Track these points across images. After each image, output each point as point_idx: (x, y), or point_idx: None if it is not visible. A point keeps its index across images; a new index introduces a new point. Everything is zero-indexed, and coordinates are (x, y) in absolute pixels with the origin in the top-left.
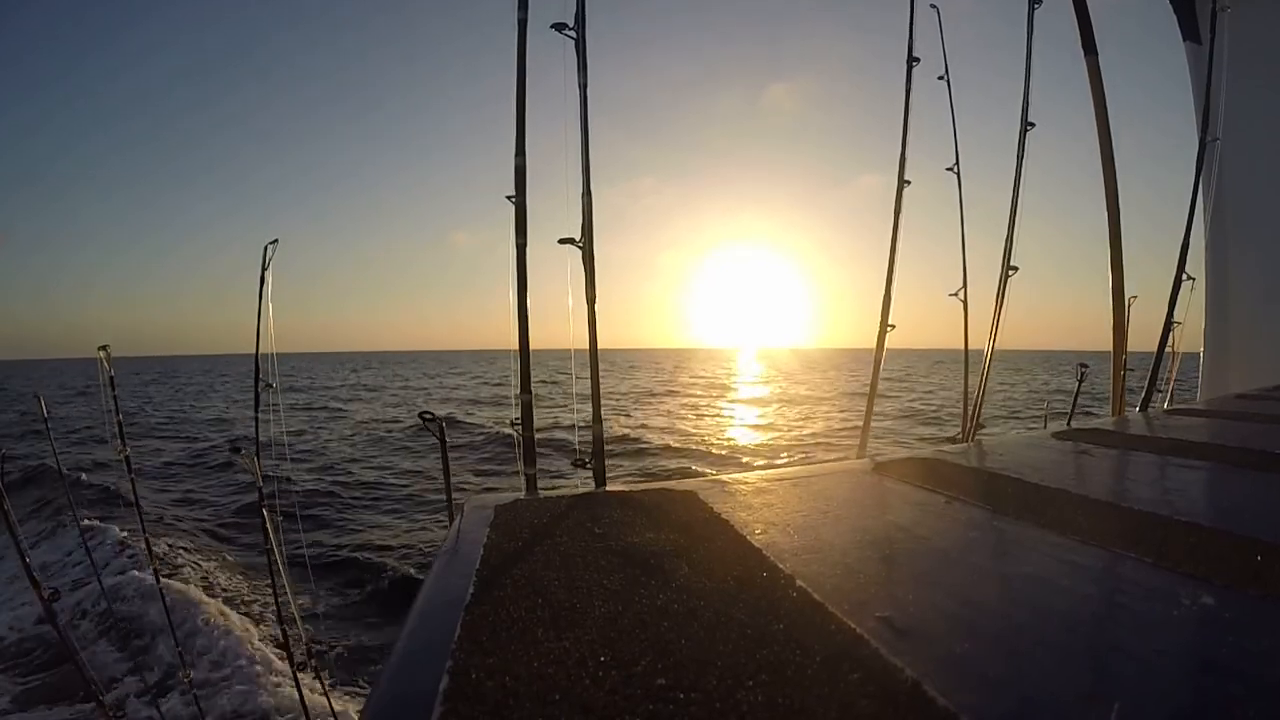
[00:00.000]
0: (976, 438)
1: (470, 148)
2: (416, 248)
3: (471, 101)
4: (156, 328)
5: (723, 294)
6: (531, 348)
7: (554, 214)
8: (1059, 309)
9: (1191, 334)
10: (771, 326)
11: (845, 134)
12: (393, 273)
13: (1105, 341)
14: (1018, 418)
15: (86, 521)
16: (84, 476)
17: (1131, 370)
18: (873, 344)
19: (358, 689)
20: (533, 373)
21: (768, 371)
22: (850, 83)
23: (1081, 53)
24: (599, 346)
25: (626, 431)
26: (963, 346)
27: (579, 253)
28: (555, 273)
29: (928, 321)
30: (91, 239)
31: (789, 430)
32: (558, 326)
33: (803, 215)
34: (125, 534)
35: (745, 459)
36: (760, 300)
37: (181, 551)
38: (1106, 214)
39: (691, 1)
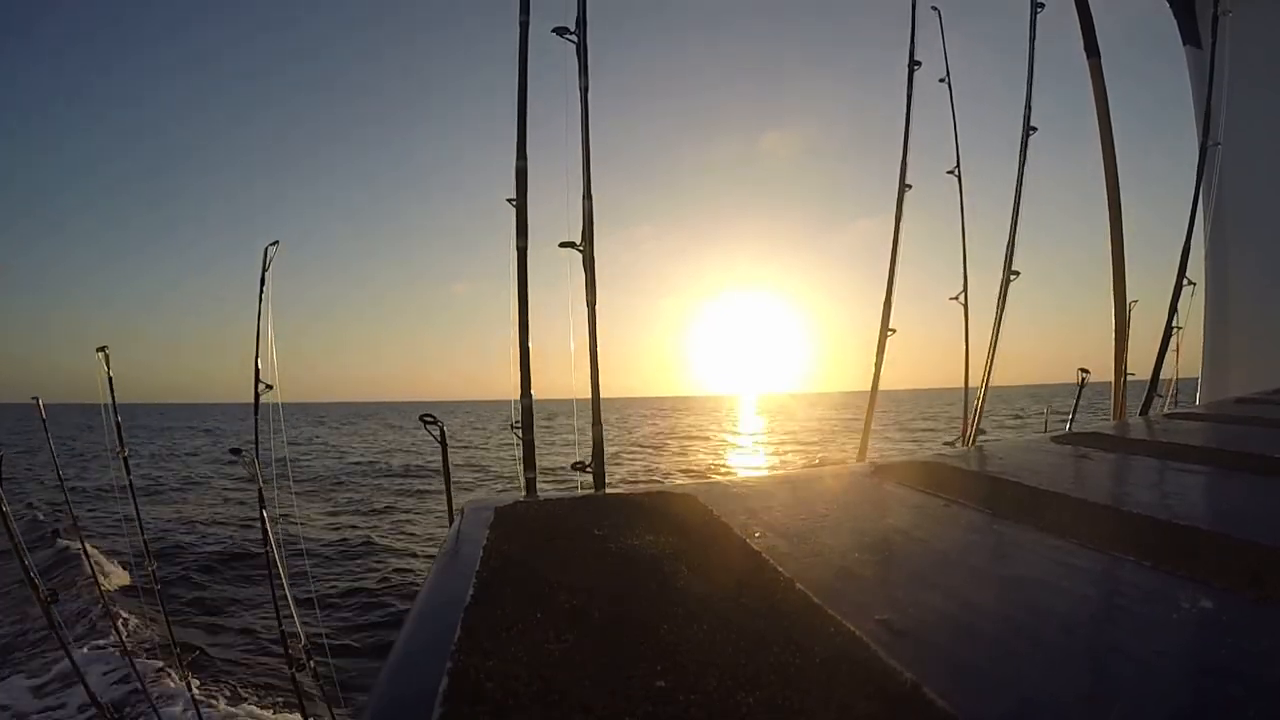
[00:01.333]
0: (976, 442)
1: (473, 147)
2: (416, 294)
3: (472, 106)
4: (152, 373)
5: (722, 340)
6: (535, 397)
7: (555, 216)
8: (1059, 313)
9: (1191, 349)
10: (772, 372)
11: (841, 180)
12: (392, 322)
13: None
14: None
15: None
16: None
17: (1132, 374)
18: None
19: (357, 690)
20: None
21: (772, 421)
22: (845, 130)
23: (1084, 56)
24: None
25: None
26: (960, 364)
27: (579, 256)
28: (556, 278)
29: (927, 324)
30: (84, 283)
31: None
32: (556, 376)
33: (800, 260)
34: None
35: None
36: (760, 346)
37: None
38: (1109, 218)
39: (682, 55)
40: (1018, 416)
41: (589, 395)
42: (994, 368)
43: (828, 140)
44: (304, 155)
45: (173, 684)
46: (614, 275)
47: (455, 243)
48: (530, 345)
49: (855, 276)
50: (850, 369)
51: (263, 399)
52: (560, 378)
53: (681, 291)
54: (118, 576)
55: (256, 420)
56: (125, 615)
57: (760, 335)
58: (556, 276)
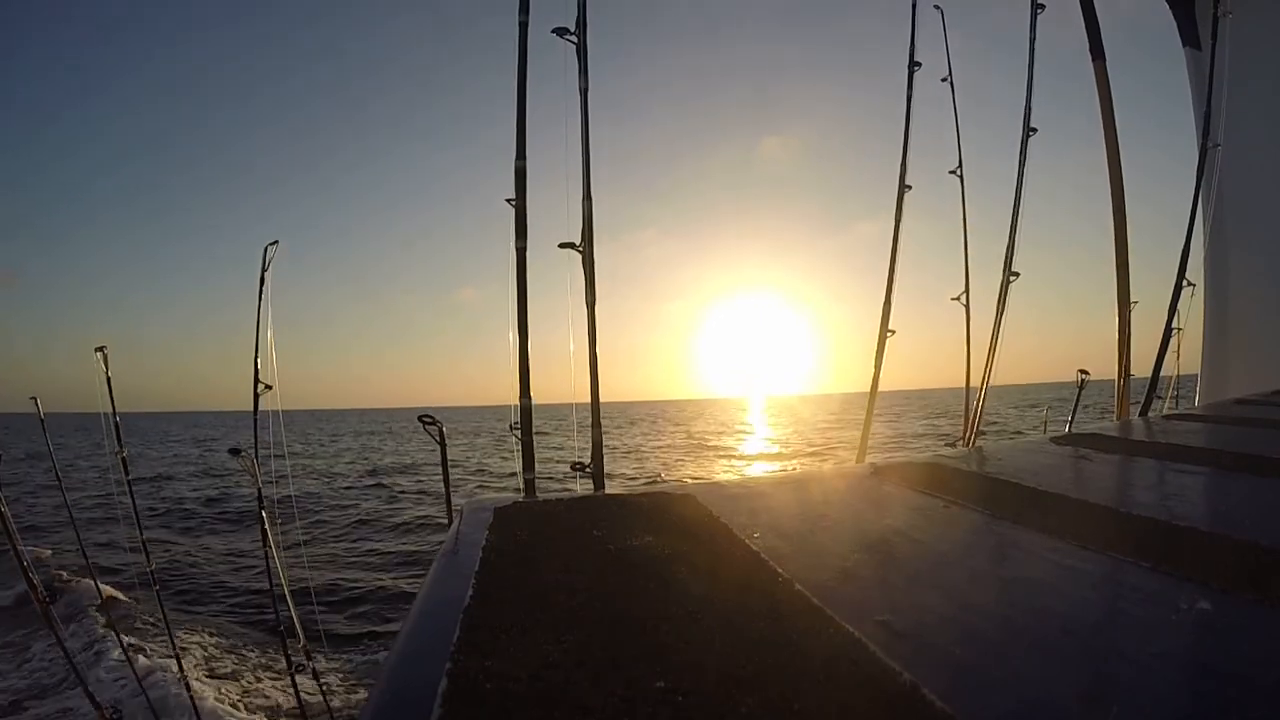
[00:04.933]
0: (976, 443)
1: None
2: (421, 302)
3: (471, 109)
4: (157, 382)
5: (728, 344)
6: (535, 401)
7: (555, 218)
8: (1060, 314)
9: (1191, 349)
10: (779, 374)
11: (839, 185)
12: (397, 329)
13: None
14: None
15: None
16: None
17: (1132, 374)
18: (880, 385)
19: (356, 690)
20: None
21: (782, 421)
22: (846, 133)
23: (1085, 57)
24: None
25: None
26: (960, 373)
27: (579, 257)
28: (556, 280)
29: (928, 325)
30: (95, 289)
31: None
32: (558, 383)
33: (803, 263)
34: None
35: None
36: (766, 348)
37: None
38: (1112, 220)
39: (681, 58)
40: (1021, 417)
41: (588, 398)
42: (994, 368)
43: (829, 143)
44: (306, 160)
45: (172, 684)
46: (618, 279)
47: (463, 248)
48: (530, 346)
49: (859, 278)
50: (855, 370)
51: (262, 404)
52: (561, 378)
53: (686, 295)
54: (116, 578)
55: (256, 420)
56: (123, 615)
57: (766, 337)
58: (557, 279)
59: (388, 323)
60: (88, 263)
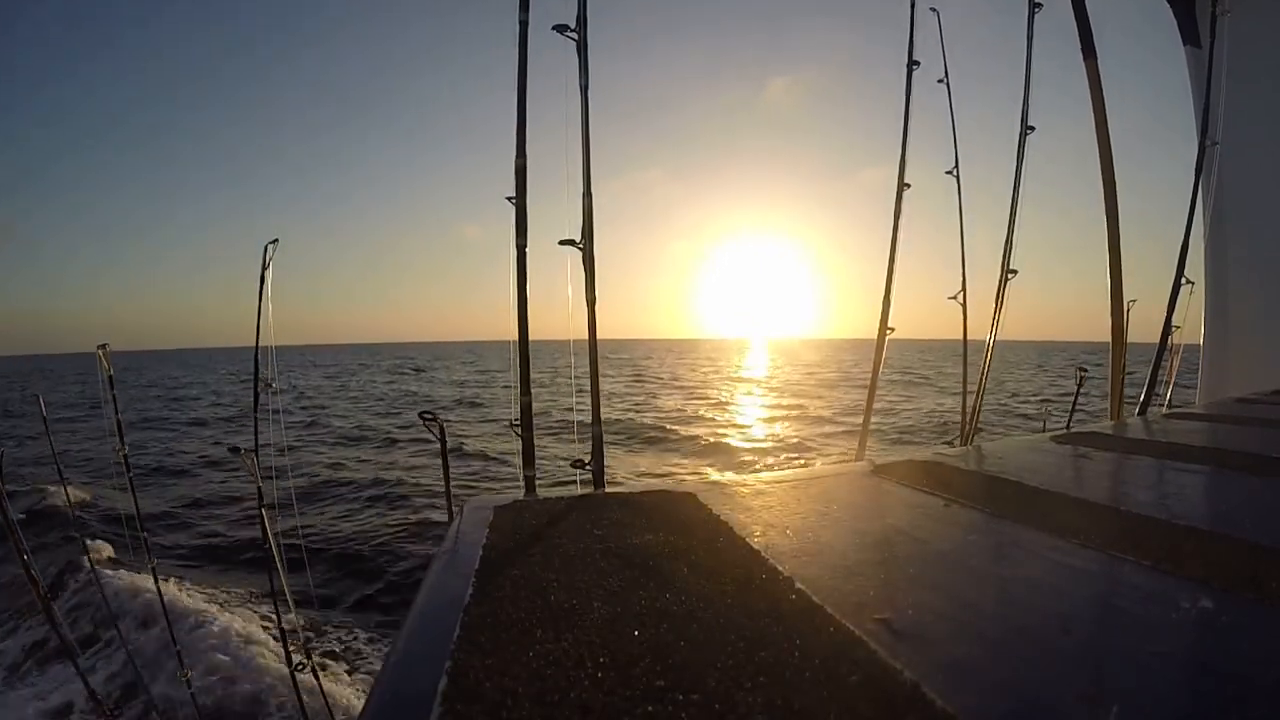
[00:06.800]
0: (975, 441)
1: (473, 145)
2: (426, 240)
3: (473, 103)
4: (161, 319)
5: (730, 285)
6: (531, 338)
7: (556, 215)
8: (1058, 313)
9: (1190, 336)
10: (779, 317)
11: (847, 129)
12: (401, 266)
13: (1106, 333)
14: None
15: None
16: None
17: (1132, 373)
18: (875, 336)
19: (357, 689)
20: (532, 368)
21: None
22: (850, 78)
23: (1081, 57)
24: (599, 336)
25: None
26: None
27: (579, 253)
28: (556, 274)
29: (927, 323)
30: (97, 235)
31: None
32: (558, 319)
33: (807, 207)
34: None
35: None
36: (767, 291)
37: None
38: (1106, 218)
39: (686, 3)
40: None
41: (588, 400)
42: (992, 367)
43: (834, 88)
44: (306, 154)
45: (172, 684)
46: (623, 219)
47: (462, 189)
48: (529, 340)
49: (861, 225)
50: (855, 318)
51: (264, 400)
52: (561, 381)
53: (690, 235)
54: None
55: (256, 421)
56: (126, 611)
57: (769, 280)
58: (556, 279)
59: (393, 262)
60: (89, 215)
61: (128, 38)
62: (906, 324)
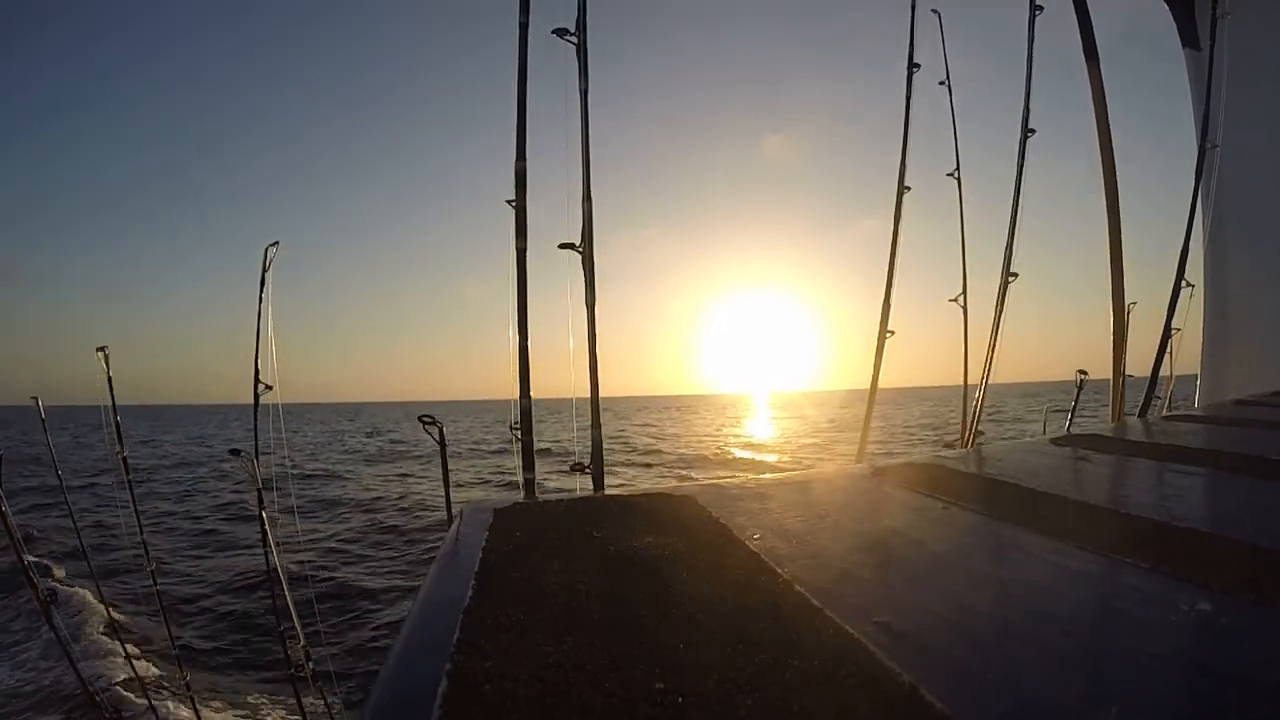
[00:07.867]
0: (975, 444)
1: (471, 161)
2: (424, 296)
3: (472, 108)
4: (158, 376)
5: (731, 339)
6: (533, 396)
7: (555, 218)
8: (1058, 315)
9: (1189, 351)
10: (782, 370)
11: (842, 183)
12: (399, 325)
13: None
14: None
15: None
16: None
17: (1131, 375)
18: (881, 383)
19: (356, 692)
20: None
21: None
22: (845, 131)
23: (1083, 59)
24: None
25: None
26: (960, 366)
27: (579, 257)
28: (556, 280)
29: (925, 330)
30: (93, 283)
31: None
32: (558, 375)
33: (806, 260)
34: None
35: None
36: (769, 344)
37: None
38: (1107, 220)
39: (682, 58)
40: (1018, 420)
41: (588, 397)
42: (993, 369)
43: (830, 142)
44: (307, 159)
45: (172, 685)
46: (622, 275)
47: (465, 242)
48: (530, 345)
49: (860, 276)
50: (857, 368)
51: (263, 401)
52: (561, 377)
53: (690, 290)
54: (116, 577)
55: (256, 421)
56: (124, 616)
57: (769, 334)
58: (556, 280)
59: (394, 318)
60: (88, 256)
61: (124, 85)
62: (903, 372)
